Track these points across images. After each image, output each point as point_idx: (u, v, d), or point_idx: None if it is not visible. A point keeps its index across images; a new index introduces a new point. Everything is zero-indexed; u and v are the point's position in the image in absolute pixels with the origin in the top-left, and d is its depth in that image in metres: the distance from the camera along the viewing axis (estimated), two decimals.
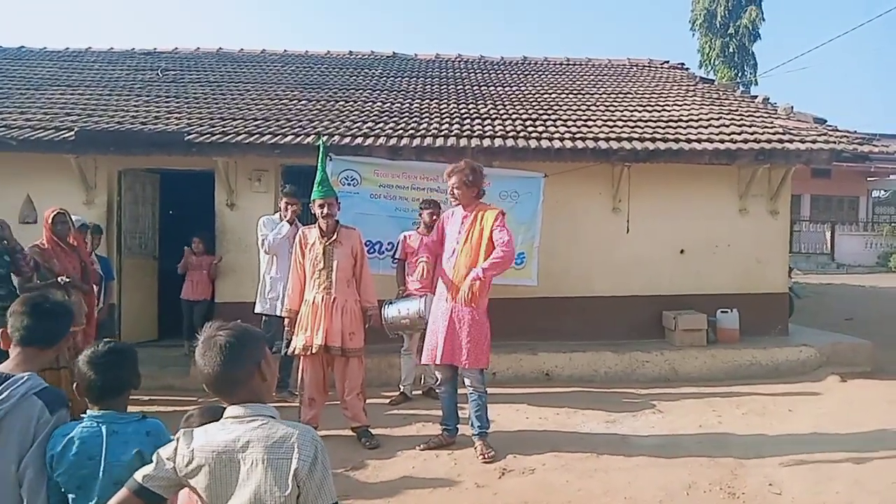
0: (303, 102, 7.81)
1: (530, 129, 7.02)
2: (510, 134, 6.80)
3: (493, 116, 7.45)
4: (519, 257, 6.33)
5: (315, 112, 7.41)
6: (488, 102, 8.14)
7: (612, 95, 8.72)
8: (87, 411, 1.97)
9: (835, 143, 6.96)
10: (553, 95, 8.62)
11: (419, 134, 6.68)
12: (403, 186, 6.62)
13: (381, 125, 6.93)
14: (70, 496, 1.90)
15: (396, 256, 5.83)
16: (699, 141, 6.79)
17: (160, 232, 7.62)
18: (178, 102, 7.69)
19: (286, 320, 4.61)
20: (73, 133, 6.29)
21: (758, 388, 5.95)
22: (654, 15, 63.89)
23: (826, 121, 7.72)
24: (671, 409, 5.32)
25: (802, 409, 5.33)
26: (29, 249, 4.49)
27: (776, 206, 7.37)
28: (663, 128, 7.20)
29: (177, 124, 6.80)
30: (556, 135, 6.83)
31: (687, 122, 7.46)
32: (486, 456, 4.13)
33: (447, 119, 7.28)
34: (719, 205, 7.30)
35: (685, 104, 8.28)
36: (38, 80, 8.39)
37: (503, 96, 8.53)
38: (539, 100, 8.36)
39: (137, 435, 1.95)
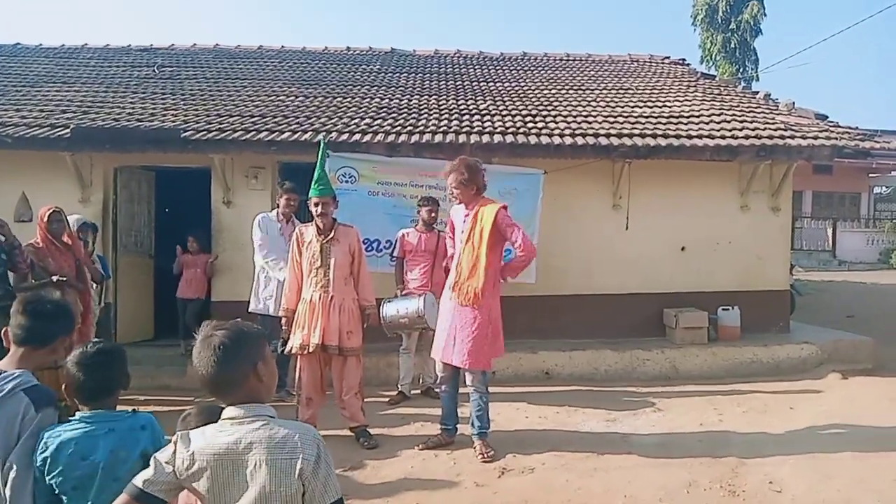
0: (300, 99, 7.77)
1: (530, 125, 6.97)
2: (509, 130, 6.75)
3: (493, 112, 7.41)
4: None
5: (312, 108, 7.37)
6: (487, 98, 8.09)
7: (613, 91, 8.67)
8: (77, 412, 1.97)
9: (836, 139, 6.92)
10: (553, 91, 8.58)
11: (417, 130, 6.63)
12: (402, 183, 6.58)
13: (379, 121, 6.89)
14: (64, 498, 1.89)
15: (395, 254, 5.79)
16: (700, 137, 6.74)
17: (156, 230, 7.57)
18: (174, 99, 7.66)
19: (283, 319, 4.57)
20: (68, 130, 6.26)
21: (759, 386, 5.92)
22: (656, 12, 63.75)
23: (828, 117, 7.70)
24: (672, 408, 5.29)
25: (803, 406, 5.30)
26: (24, 248, 4.45)
27: (777, 202, 7.33)
28: (664, 124, 7.16)
29: (173, 121, 6.77)
30: (556, 131, 6.78)
31: (688, 118, 7.42)
32: (485, 455, 4.10)
33: (446, 115, 7.23)
34: (720, 201, 7.26)
35: (686, 100, 8.23)
36: (34, 77, 8.36)
37: (502, 92, 8.48)
38: (539, 96, 8.32)
39: (133, 431, 1.96)
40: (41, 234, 4.57)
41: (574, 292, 7.00)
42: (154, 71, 8.88)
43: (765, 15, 22.76)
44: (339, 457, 4.06)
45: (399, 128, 6.68)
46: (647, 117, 7.41)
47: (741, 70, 22.43)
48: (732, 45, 22.83)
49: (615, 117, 7.36)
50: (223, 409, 1.57)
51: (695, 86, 9.14)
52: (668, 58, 10.99)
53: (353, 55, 10.45)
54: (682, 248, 7.21)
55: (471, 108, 7.57)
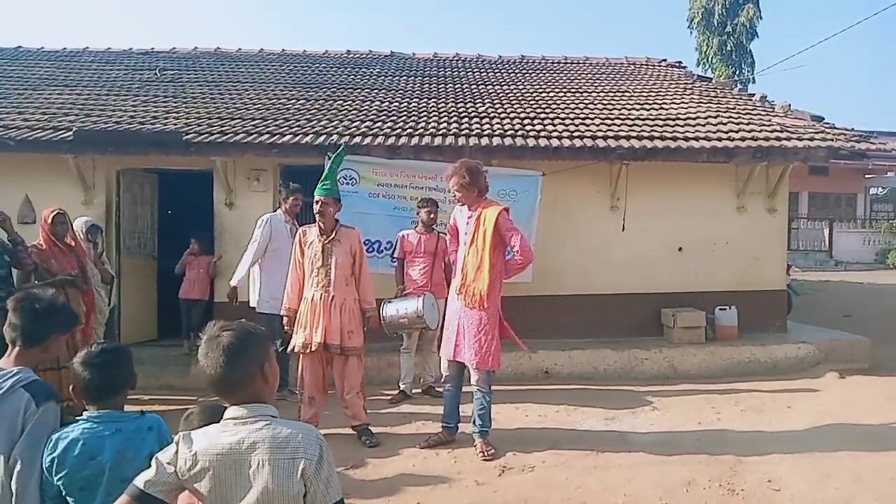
0: (301, 102, 7.81)
1: (528, 127, 7.02)
2: (508, 133, 6.80)
3: (491, 115, 7.46)
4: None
5: (313, 111, 7.41)
6: (486, 101, 8.14)
7: (610, 94, 8.73)
8: (85, 412, 1.97)
9: (832, 140, 6.97)
10: (551, 94, 8.63)
11: (417, 133, 6.68)
12: (402, 185, 6.63)
13: (379, 124, 6.93)
14: (70, 500, 1.89)
15: (395, 255, 5.84)
16: (697, 139, 6.80)
17: (159, 232, 7.61)
18: (176, 102, 7.69)
19: (285, 319, 4.62)
20: (71, 133, 6.29)
21: (756, 385, 5.96)
22: (654, 14, 63.93)
23: (823, 118, 7.75)
24: (670, 407, 5.32)
25: (801, 405, 5.34)
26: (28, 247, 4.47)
27: (774, 203, 7.38)
28: (661, 126, 7.21)
29: (175, 124, 6.80)
30: (554, 133, 6.83)
31: (685, 120, 7.47)
32: (485, 454, 4.14)
33: (445, 118, 7.28)
34: (717, 202, 7.31)
35: (683, 102, 8.29)
36: (36, 81, 8.39)
37: (501, 95, 8.53)
38: (537, 98, 8.37)
39: (140, 432, 1.96)
40: (44, 236, 4.58)
41: (573, 292, 7.05)
42: (156, 74, 8.92)
43: (760, 18, 22.82)
44: (342, 455, 4.10)
45: (399, 130, 6.73)
46: (644, 119, 7.46)
47: (737, 72, 22.49)
48: (728, 48, 22.87)
49: (612, 119, 7.41)
50: (226, 408, 1.58)
51: (691, 88, 9.20)
52: (664, 60, 11.06)
53: (353, 58, 10.50)
54: (680, 249, 7.26)
55: (470, 111, 7.62)
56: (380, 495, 3.65)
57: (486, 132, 6.79)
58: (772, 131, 7.10)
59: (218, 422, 1.56)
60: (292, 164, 6.77)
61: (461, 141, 6.54)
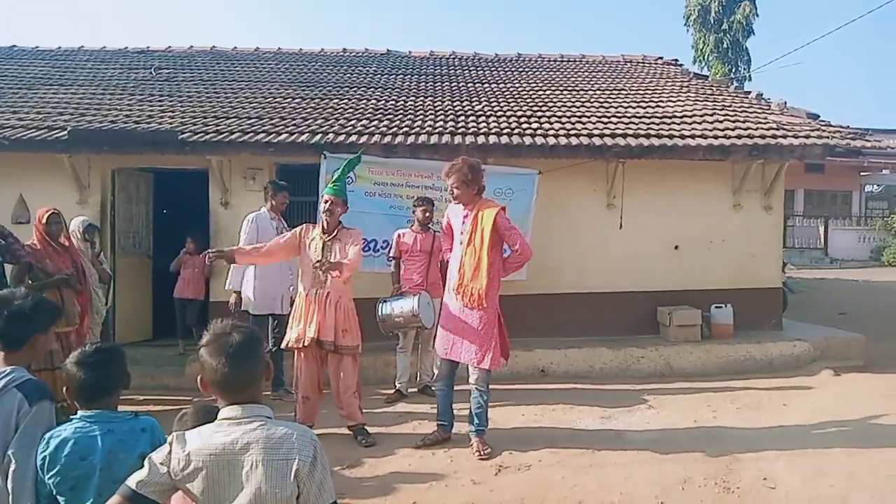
0: (297, 101, 7.79)
1: (524, 125, 7.02)
2: (504, 131, 6.80)
3: (488, 113, 7.46)
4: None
5: (309, 110, 7.39)
6: (482, 99, 8.13)
7: (607, 92, 8.72)
8: (78, 412, 1.97)
9: (828, 138, 6.99)
10: (547, 92, 8.62)
11: (413, 131, 6.67)
12: (398, 184, 6.62)
13: (375, 123, 6.92)
14: (61, 499, 1.89)
15: (391, 254, 5.83)
16: (693, 137, 6.81)
17: (154, 231, 7.58)
18: (171, 101, 7.66)
19: (215, 253, 4.52)
20: (66, 132, 6.26)
21: (752, 383, 5.98)
22: (651, 12, 63.94)
23: (819, 116, 7.76)
24: (666, 405, 5.34)
25: (796, 403, 5.36)
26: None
27: (770, 201, 7.39)
28: (657, 124, 7.22)
29: (170, 123, 6.78)
30: (551, 131, 6.83)
31: (681, 118, 7.48)
32: (482, 452, 4.14)
33: (441, 116, 7.27)
34: (713, 200, 7.32)
35: (679, 100, 8.29)
36: (31, 80, 8.35)
37: (497, 93, 8.52)
38: (533, 96, 8.36)
39: (133, 433, 1.95)
40: (38, 236, 4.55)
41: (569, 291, 7.05)
42: (151, 73, 8.88)
43: (757, 15, 22.87)
44: (337, 455, 4.10)
45: (395, 129, 6.72)
46: (640, 117, 7.46)
47: (733, 70, 22.52)
48: (725, 46, 22.92)
49: (609, 118, 7.41)
50: (219, 409, 1.57)
51: (687, 86, 9.20)
52: (660, 58, 11.06)
53: (349, 57, 10.47)
54: (676, 247, 7.27)
55: (466, 109, 7.61)
56: (376, 495, 3.65)
57: (482, 130, 6.79)
58: (768, 129, 7.11)
59: (212, 422, 1.56)
60: (288, 163, 6.75)
61: (457, 139, 6.53)
